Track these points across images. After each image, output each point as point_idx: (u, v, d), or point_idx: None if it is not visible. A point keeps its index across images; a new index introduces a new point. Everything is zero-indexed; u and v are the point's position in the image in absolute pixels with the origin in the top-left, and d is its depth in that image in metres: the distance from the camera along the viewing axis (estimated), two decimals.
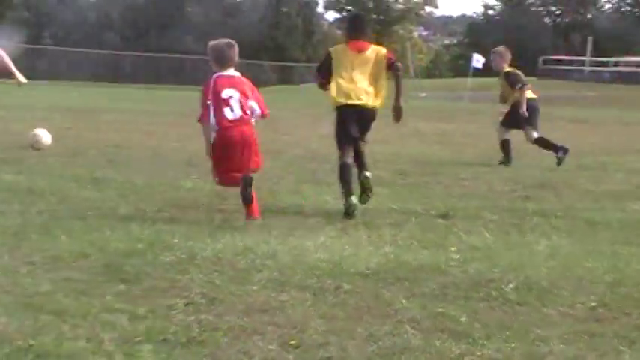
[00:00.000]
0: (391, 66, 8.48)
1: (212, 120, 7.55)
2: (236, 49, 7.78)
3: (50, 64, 60.61)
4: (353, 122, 8.38)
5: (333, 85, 8.42)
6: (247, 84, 7.76)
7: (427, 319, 4.75)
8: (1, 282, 5.08)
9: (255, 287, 5.27)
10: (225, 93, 7.54)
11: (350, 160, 8.38)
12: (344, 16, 75.96)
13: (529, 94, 12.85)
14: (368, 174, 8.40)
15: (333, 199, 8.72)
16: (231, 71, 7.74)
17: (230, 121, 7.52)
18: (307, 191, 9.40)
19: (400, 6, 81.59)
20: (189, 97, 38.28)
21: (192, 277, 5.45)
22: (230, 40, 7.87)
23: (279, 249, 6.31)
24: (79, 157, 11.63)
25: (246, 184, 7.43)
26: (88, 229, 6.74)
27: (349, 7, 77.57)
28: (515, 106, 12.75)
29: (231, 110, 7.53)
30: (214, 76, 7.67)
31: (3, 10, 76.06)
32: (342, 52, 8.53)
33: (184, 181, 9.74)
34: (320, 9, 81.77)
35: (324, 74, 8.55)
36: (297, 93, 45.94)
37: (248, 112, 7.62)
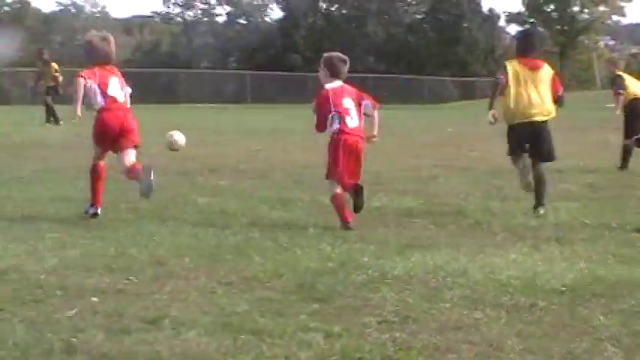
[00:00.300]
0: (558, 99, 8.81)
1: (335, 126, 8.10)
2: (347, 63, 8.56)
3: (237, 87, 62.53)
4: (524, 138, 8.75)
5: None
6: (356, 92, 8.43)
7: (628, 337, 4.57)
8: (200, 303, 5.24)
9: (447, 305, 5.22)
10: (345, 103, 8.16)
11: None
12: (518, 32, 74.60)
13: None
14: (542, 211, 8.59)
15: (522, 215, 8.57)
16: (340, 82, 8.38)
17: (351, 129, 8.08)
18: (495, 207, 9.26)
19: (585, 16, 79.20)
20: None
21: (384, 295, 5.46)
22: (340, 54, 8.56)
23: (470, 266, 6.24)
24: (267, 179, 11.90)
25: (361, 192, 7.85)
26: (279, 250, 6.87)
27: (532, 20, 75.98)
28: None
29: (351, 119, 8.09)
30: (328, 87, 8.29)
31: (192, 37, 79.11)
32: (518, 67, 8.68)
33: (371, 199, 9.78)
34: (502, 22, 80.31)
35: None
36: (479, 108, 45.44)
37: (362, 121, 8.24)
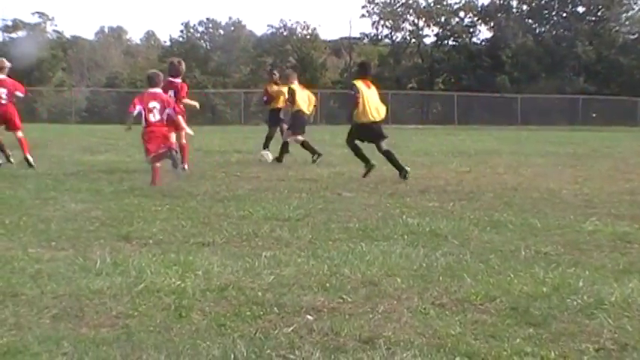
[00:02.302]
0: None
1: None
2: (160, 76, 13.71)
3: (444, 108, 62.43)
4: None
5: None
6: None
7: None
8: (413, 323, 5.26)
9: None
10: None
11: None
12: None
13: None
14: None
15: None
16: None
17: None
18: None
19: None
20: (582, 137, 37.62)
21: (601, 321, 5.29)
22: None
23: None
24: (476, 200, 11.80)
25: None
26: (491, 272, 6.79)
27: None
28: None
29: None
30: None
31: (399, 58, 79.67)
32: None
33: (584, 223, 9.52)
34: None
35: None
36: None
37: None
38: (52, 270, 6.54)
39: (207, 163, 17.44)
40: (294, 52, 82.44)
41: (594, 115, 61.77)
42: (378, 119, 14.89)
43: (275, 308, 5.56)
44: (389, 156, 14.73)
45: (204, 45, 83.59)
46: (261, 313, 5.45)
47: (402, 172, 14.46)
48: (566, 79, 70.80)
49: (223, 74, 78.26)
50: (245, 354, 4.55)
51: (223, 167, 16.34)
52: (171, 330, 5.02)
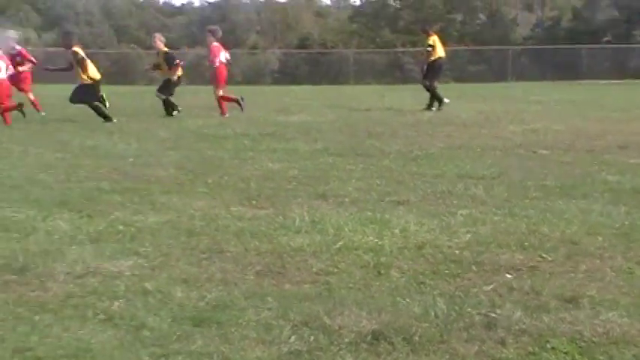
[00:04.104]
0: None
1: None
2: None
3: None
4: None
5: None
6: None
7: None
8: (618, 283, 5.11)
9: None
10: None
11: None
12: None
13: None
14: None
15: None
16: None
17: None
18: None
19: None
20: None
21: None
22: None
23: None
24: None
25: None
26: None
27: None
28: None
29: None
30: None
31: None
32: None
33: None
34: None
35: None
36: None
37: None
38: (253, 228, 6.75)
39: (398, 122, 17.45)
40: (485, 9, 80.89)
41: None
42: None
43: (473, 267, 5.53)
44: None
45: (393, 4, 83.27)
46: (460, 271, 5.44)
47: None
48: None
49: (412, 33, 77.79)
50: (445, 311, 4.56)
51: (414, 126, 16.31)
52: (370, 287, 5.09)
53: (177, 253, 5.93)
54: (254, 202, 8.04)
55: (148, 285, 5.11)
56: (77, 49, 17.63)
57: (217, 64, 19.04)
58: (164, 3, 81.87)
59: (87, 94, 17.56)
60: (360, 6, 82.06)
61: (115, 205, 7.76)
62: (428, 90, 20.90)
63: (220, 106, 19.26)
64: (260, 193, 8.48)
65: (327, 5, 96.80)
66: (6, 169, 10.22)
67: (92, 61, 18.06)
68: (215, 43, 19.22)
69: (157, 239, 6.36)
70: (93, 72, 17.67)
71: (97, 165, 10.58)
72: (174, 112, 19.13)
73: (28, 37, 70.27)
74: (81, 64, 17.40)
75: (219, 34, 19.53)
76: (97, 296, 4.92)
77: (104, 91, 18.07)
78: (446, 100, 21.03)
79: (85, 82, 17.56)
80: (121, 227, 6.75)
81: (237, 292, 4.96)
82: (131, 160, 11.09)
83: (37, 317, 4.53)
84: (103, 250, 6.01)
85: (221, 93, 19.24)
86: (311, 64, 56.01)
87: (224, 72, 19.27)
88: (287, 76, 55.98)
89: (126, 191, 8.56)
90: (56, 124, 16.97)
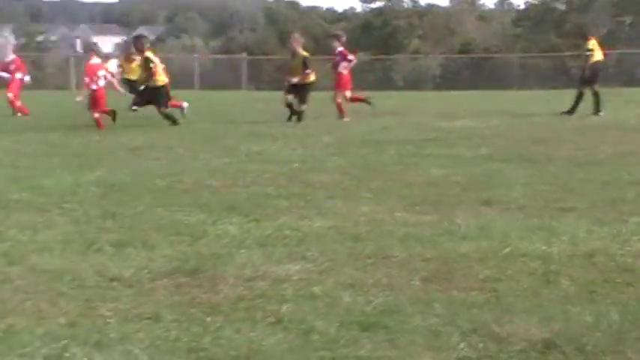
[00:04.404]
0: None
1: None
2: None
3: None
4: None
5: None
6: None
7: None
8: None
9: None
10: None
11: None
12: None
13: None
14: None
15: None
16: None
17: None
18: None
19: None
20: None
21: None
22: None
23: None
24: None
25: None
26: None
27: None
28: None
29: None
30: None
31: None
32: None
33: None
34: None
35: None
36: None
37: None
38: (418, 233, 6.75)
39: (564, 127, 17.04)
40: None
41: None
42: None
43: None
44: None
45: (559, 7, 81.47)
46: (632, 280, 5.28)
47: None
48: None
49: (579, 36, 75.89)
50: (619, 320, 4.43)
51: (581, 131, 15.89)
52: (539, 295, 5.01)
53: (343, 258, 6.00)
54: (418, 207, 8.03)
55: (315, 289, 5.20)
56: (149, 54, 17.94)
57: (343, 70, 19.07)
58: (327, 9, 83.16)
59: (163, 97, 17.83)
60: (524, 9, 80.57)
61: (281, 210, 7.92)
62: (594, 94, 20.32)
63: (339, 109, 19.13)
64: (424, 199, 8.47)
65: (490, 9, 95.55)
66: (177, 173, 10.57)
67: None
68: (340, 48, 19.28)
69: (322, 244, 6.45)
70: (162, 77, 17.91)
71: (262, 170, 10.80)
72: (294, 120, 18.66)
73: (195, 44, 72.67)
74: (151, 68, 17.61)
75: (344, 38, 19.67)
76: (266, 299, 5.03)
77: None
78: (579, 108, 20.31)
79: (155, 85, 17.75)
80: (287, 232, 6.88)
81: (404, 298, 4.98)
82: (296, 165, 11.27)
83: (208, 319, 4.68)
84: (270, 254, 6.15)
85: (340, 100, 19.14)
86: (473, 68, 55.38)
87: (348, 77, 19.27)
88: (448, 81, 55.58)
89: (292, 196, 8.71)
90: (222, 130, 17.36)
